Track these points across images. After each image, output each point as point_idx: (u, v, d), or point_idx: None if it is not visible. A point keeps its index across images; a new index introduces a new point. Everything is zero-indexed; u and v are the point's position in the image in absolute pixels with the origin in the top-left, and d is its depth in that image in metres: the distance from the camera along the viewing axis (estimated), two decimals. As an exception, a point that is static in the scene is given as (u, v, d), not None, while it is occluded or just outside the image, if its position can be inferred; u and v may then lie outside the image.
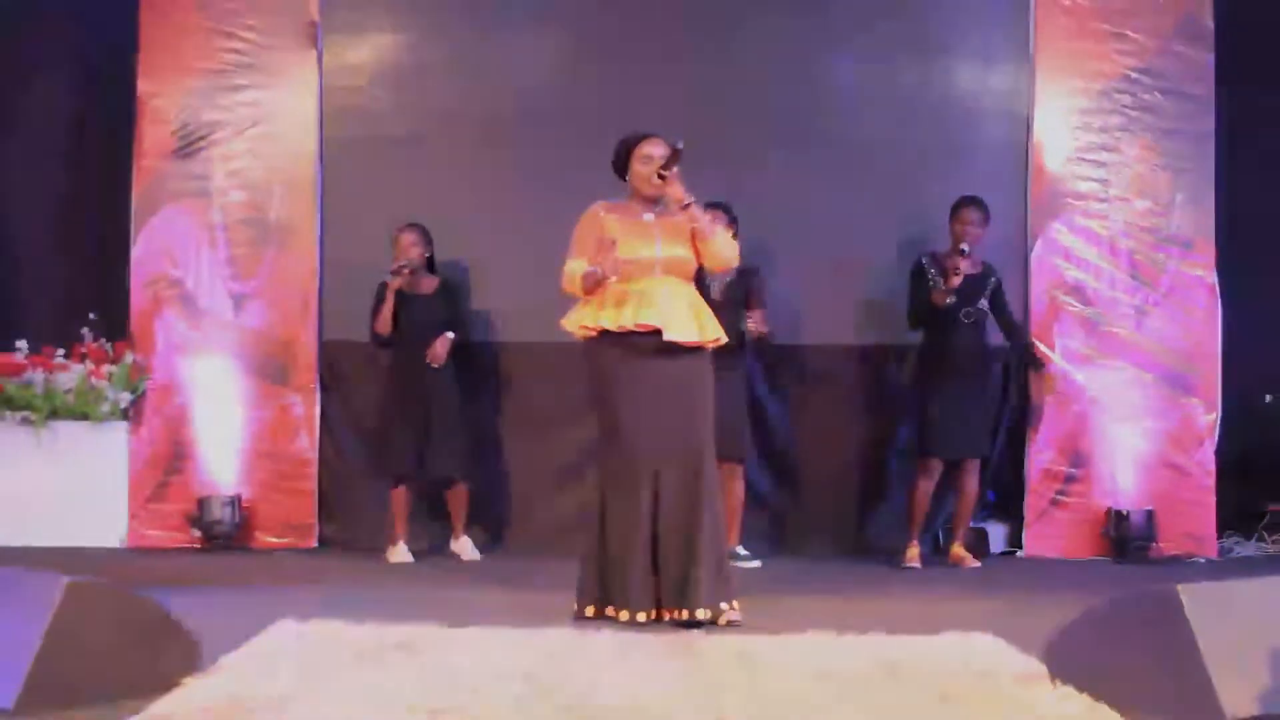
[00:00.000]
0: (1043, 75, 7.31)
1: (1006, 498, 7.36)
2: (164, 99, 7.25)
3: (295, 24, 7.28)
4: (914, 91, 7.40)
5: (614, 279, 4.72)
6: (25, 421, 6.97)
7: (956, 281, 6.49)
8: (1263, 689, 3.06)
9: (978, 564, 6.77)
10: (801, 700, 3.36)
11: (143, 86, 7.24)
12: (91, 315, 7.16)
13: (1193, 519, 7.12)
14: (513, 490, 7.26)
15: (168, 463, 7.15)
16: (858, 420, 7.30)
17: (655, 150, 4.83)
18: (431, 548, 6.97)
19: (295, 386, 7.22)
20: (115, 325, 7.18)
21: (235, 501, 7.04)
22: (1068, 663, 3.49)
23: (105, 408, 7.02)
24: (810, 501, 7.29)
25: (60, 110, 7.57)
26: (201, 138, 7.24)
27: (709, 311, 4.91)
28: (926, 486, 6.71)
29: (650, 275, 4.77)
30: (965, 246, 6.54)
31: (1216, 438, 7.19)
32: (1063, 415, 7.22)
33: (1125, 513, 7.01)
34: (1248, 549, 7.24)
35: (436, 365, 6.69)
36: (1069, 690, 3.39)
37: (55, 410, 6.99)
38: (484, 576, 6.15)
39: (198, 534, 7.01)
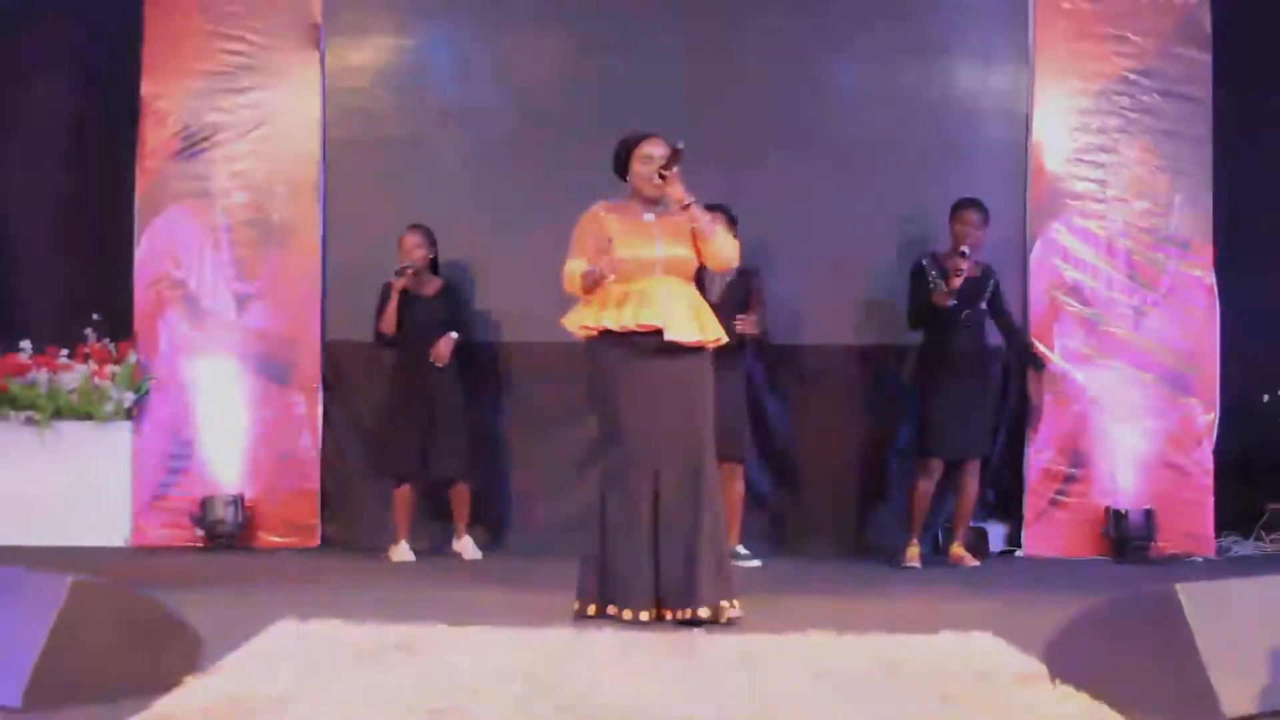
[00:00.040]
0: (1042, 76, 7.33)
1: (1006, 497, 7.37)
2: (167, 100, 7.27)
3: (298, 26, 7.30)
4: (914, 92, 7.42)
5: (611, 278, 4.73)
6: (29, 421, 6.99)
7: (957, 283, 6.51)
8: (1261, 687, 3.08)
9: (977, 563, 6.79)
10: (802, 699, 3.36)
11: (146, 88, 7.26)
12: (95, 315, 7.18)
13: (1191, 518, 7.14)
14: (514, 490, 7.28)
15: (171, 462, 7.17)
16: (858, 420, 7.32)
17: (655, 150, 4.84)
18: (433, 547, 6.99)
19: (298, 387, 7.24)
20: (118, 325, 7.20)
21: (238, 501, 7.05)
22: (1067, 662, 3.49)
23: (109, 407, 7.04)
24: (810, 501, 7.31)
25: (63, 111, 7.58)
26: (204, 139, 7.27)
27: (709, 311, 4.92)
28: (927, 486, 6.72)
29: (651, 275, 4.78)
30: (966, 248, 6.55)
31: (1215, 437, 7.21)
32: (1062, 415, 7.24)
33: (1124, 512, 7.03)
34: (1246, 548, 7.27)
35: (440, 365, 6.71)
36: (1068, 689, 3.39)
37: (59, 410, 7.01)
38: (485, 576, 6.16)
39: (201, 533, 7.03)
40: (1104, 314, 7.26)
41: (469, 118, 7.37)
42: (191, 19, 7.27)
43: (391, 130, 7.38)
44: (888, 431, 7.29)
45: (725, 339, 4.97)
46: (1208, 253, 7.28)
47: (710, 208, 5.09)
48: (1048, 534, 7.20)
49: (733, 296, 6.50)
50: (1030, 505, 7.23)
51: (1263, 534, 7.31)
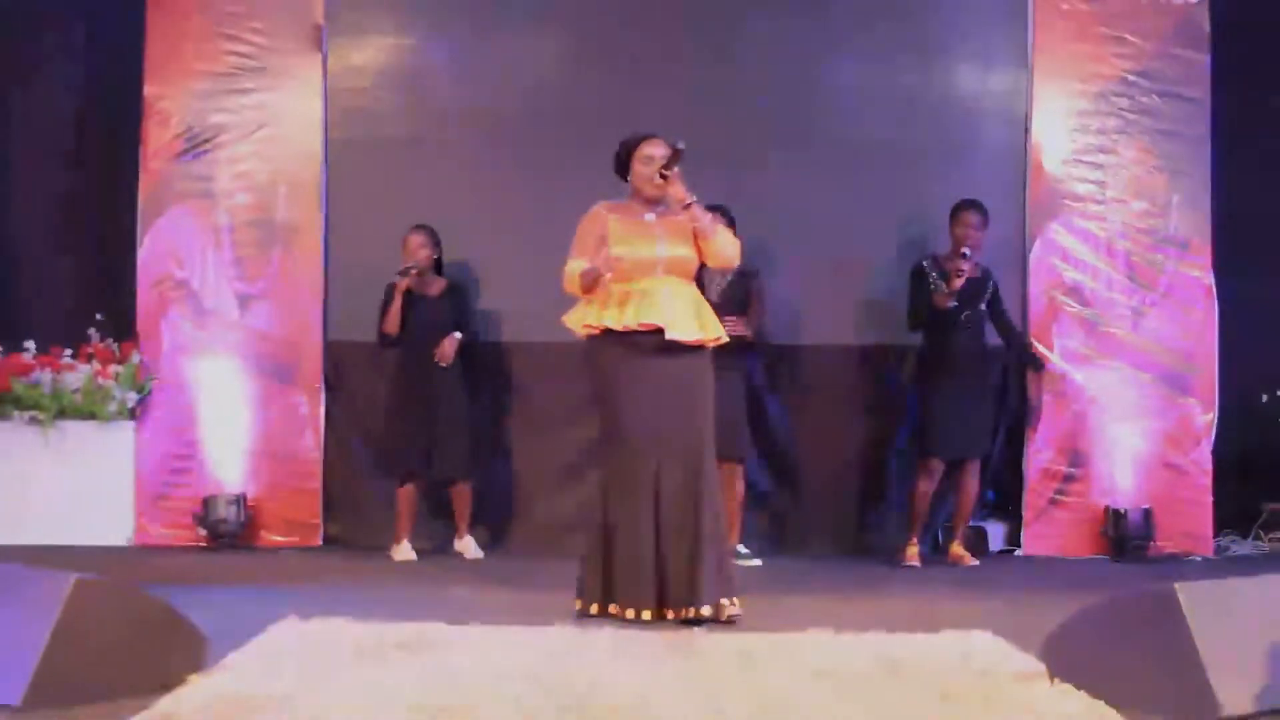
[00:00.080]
0: (1041, 77, 7.35)
1: (1005, 497, 7.40)
2: (170, 101, 7.28)
3: (300, 27, 7.31)
4: (913, 92, 7.43)
5: (608, 276, 4.75)
6: (33, 421, 6.99)
7: (959, 284, 6.53)
8: (1259, 686, 3.10)
9: (977, 563, 6.81)
10: (802, 699, 3.37)
11: (149, 89, 7.27)
12: (98, 316, 7.20)
13: (1190, 518, 7.16)
14: (516, 489, 7.30)
15: (174, 462, 7.18)
16: (858, 420, 7.33)
17: (656, 151, 4.86)
18: (435, 547, 7.00)
19: (300, 386, 7.25)
20: (122, 326, 7.22)
21: (241, 500, 7.07)
22: (1066, 660, 3.50)
23: (112, 407, 7.06)
24: (810, 501, 7.32)
25: (66, 112, 7.59)
26: (207, 140, 7.28)
27: (710, 310, 4.94)
28: (927, 486, 6.74)
29: (652, 275, 4.79)
30: (967, 250, 6.57)
31: (1213, 437, 7.23)
32: (1061, 415, 7.26)
33: (1123, 511, 7.05)
34: (1244, 548, 7.29)
35: (444, 365, 6.73)
36: (1067, 688, 3.40)
37: (63, 410, 7.02)
38: (487, 575, 6.17)
39: (203, 533, 7.04)
40: (1103, 314, 7.28)
41: (470, 118, 7.38)
42: (194, 20, 7.29)
43: (393, 130, 7.39)
44: (887, 431, 7.30)
45: (726, 338, 4.99)
46: (1206, 253, 7.31)
47: (709, 208, 5.11)
48: (1047, 533, 7.22)
49: (732, 297, 6.51)
50: (1029, 505, 7.25)
51: (1261, 533, 7.33)
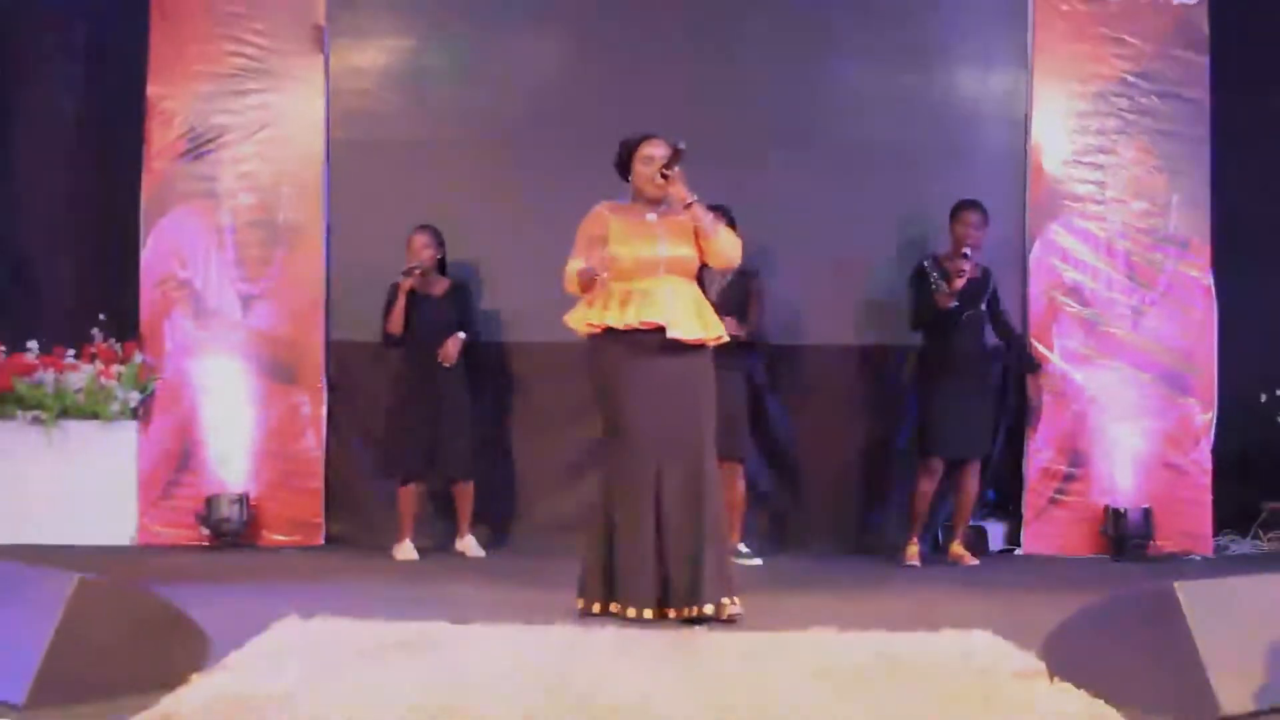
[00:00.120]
0: (1041, 78, 7.36)
1: (1005, 496, 7.41)
2: (173, 102, 7.30)
3: (302, 28, 7.32)
4: (914, 93, 7.44)
5: (604, 275, 4.75)
6: (36, 421, 7.01)
7: (960, 284, 6.54)
8: (1259, 685, 3.11)
9: (977, 562, 6.82)
10: (803, 697, 3.39)
11: (152, 89, 7.28)
12: (101, 316, 7.22)
13: (1189, 517, 7.17)
14: (517, 489, 7.31)
15: (176, 461, 7.20)
16: (858, 420, 7.34)
17: (656, 151, 4.87)
18: (436, 546, 7.01)
19: (303, 386, 7.27)
20: (125, 326, 7.23)
21: (243, 500, 7.08)
22: (1066, 659, 3.52)
23: (115, 407, 7.07)
24: (811, 500, 7.33)
25: (70, 112, 7.59)
26: (210, 140, 7.29)
27: (711, 310, 4.96)
28: (928, 486, 6.75)
29: (654, 275, 4.81)
30: (968, 250, 6.59)
31: (1213, 437, 7.24)
32: (1061, 415, 7.27)
33: (1123, 511, 7.06)
34: (1244, 547, 7.30)
35: (448, 365, 6.75)
36: (1067, 687, 3.42)
37: (65, 409, 7.03)
38: (488, 574, 6.17)
39: (206, 532, 7.05)
40: (1103, 314, 7.29)
41: (471, 118, 7.39)
42: (197, 22, 7.30)
43: (395, 131, 7.39)
44: (888, 431, 7.31)
45: (727, 338, 5.01)
46: (1206, 253, 7.32)
47: (710, 208, 5.12)
48: (1047, 532, 7.23)
49: (731, 297, 6.51)
50: (1029, 504, 7.26)
51: (1260, 532, 7.34)
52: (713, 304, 5.17)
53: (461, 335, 6.78)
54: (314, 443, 7.26)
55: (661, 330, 4.74)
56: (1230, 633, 3.16)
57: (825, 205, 7.25)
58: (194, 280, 7.28)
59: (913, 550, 6.76)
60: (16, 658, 3.18)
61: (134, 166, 7.29)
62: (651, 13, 7.44)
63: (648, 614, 4.64)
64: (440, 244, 6.86)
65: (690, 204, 4.82)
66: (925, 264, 6.74)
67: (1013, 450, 7.32)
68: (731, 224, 6.15)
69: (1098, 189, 7.34)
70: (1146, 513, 7.07)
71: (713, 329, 4.88)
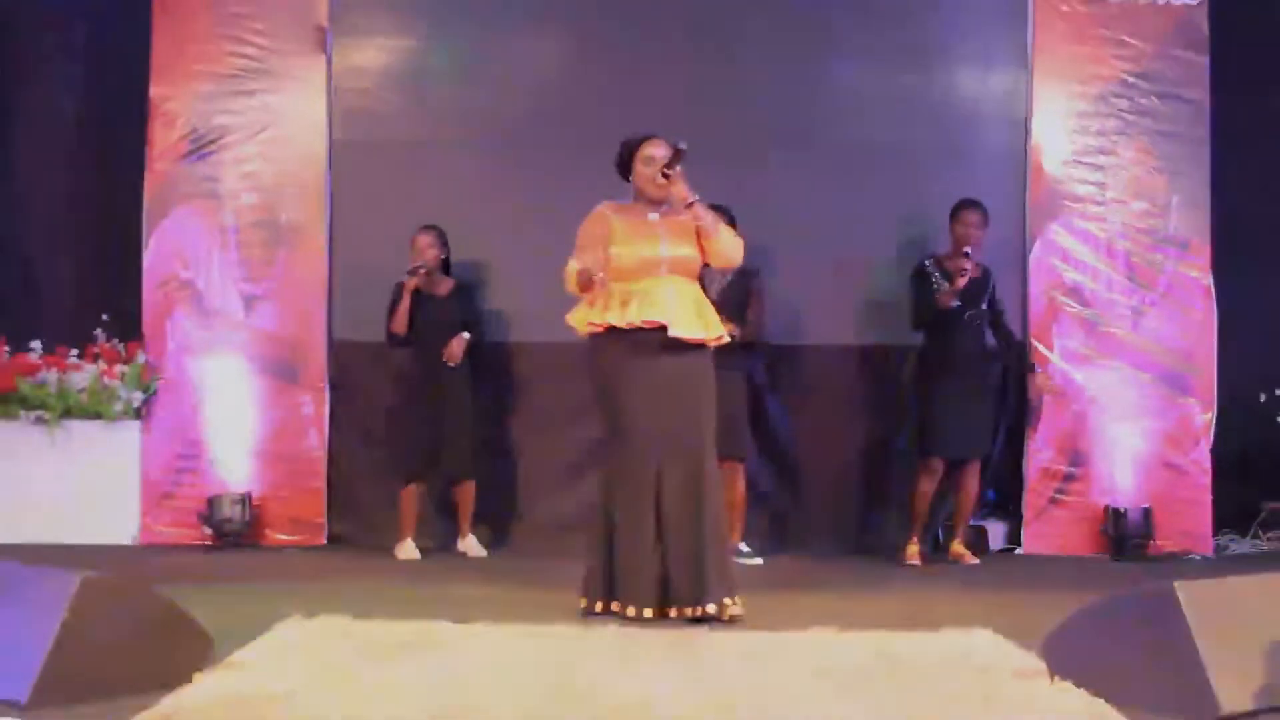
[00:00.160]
0: (1041, 79, 7.37)
1: (1006, 496, 7.42)
2: (176, 102, 7.30)
3: (304, 29, 7.32)
4: (914, 93, 7.44)
5: (600, 276, 4.74)
6: (39, 421, 7.02)
7: (963, 283, 6.56)
8: (1258, 684, 3.12)
9: (977, 561, 6.83)
10: (803, 696, 3.40)
11: (155, 90, 7.28)
12: (104, 316, 7.22)
13: (1189, 517, 7.18)
14: (519, 488, 7.32)
15: (179, 461, 7.20)
16: (858, 420, 7.35)
17: (657, 151, 4.88)
18: (438, 545, 7.01)
19: (305, 386, 7.27)
20: (128, 326, 7.23)
21: (246, 499, 7.08)
22: (1066, 658, 3.53)
23: (118, 407, 7.07)
24: (811, 500, 7.34)
25: (73, 113, 7.60)
26: (212, 141, 7.30)
27: (712, 310, 4.96)
28: (928, 486, 6.76)
29: (656, 274, 4.81)
30: (969, 249, 6.60)
31: (1212, 436, 7.25)
32: (1061, 415, 7.28)
33: (1123, 510, 7.07)
34: (1243, 546, 7.31)
35: (453, 365, 6.76)
36: (1067, 686, 3.43)
37: (69, 409, 7.04)
38: (490, 573, 6.18)
39: (209, 531, 7.05)
40: (1103, 314, 7.30)
41: (473, 118, 7.40)
42: (199, 22, 7.30)
43: (397, 131, 7.40)
44: (888, 431, 7.32)
45: (728, 338, 5.02)
46: (1205, 253, 7.33)
47: (710, 208, 5.13)
48: (1047, 532, 7.24)
49: (731, 297, 6.51)
50: (1030, 504, 7.27)
51: (1260, 532, 7.35)
52: (713, 303, 5.18)
53: (466, 335, 6.79)
54: (316, 442, 7.27)
55: (663, 329, 4.74)
56: (1230, 632, 3.17)
57: (825, 205, 7.26)
58: (196, 280, 7.29)
59: (913, 550, 6.77)
60: (19, 657, 3.19)
61: (134, 166, 7.29)
62: (651, 13, 7.45)
63: (647, 614, 4.65)
64: (445, 244, 6.87)
65: (692, 204, 4.82)
66: (926, 264, 6.74)
67: (1013, 450, 7.32)
68: (732, 224, 6.15)
69: (1098, 189, 7.35)
70: (1146, 512, 7.08)
71: (714, 329, 4.88)
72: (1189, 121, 7.32)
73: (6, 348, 7.11)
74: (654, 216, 4.92)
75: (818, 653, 3.98)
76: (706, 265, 5.00)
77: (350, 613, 4.51)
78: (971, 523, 7.08)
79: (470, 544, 6.91)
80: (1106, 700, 3.28)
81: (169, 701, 3.24)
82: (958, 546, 6.88)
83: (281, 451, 7.24)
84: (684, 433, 4.75)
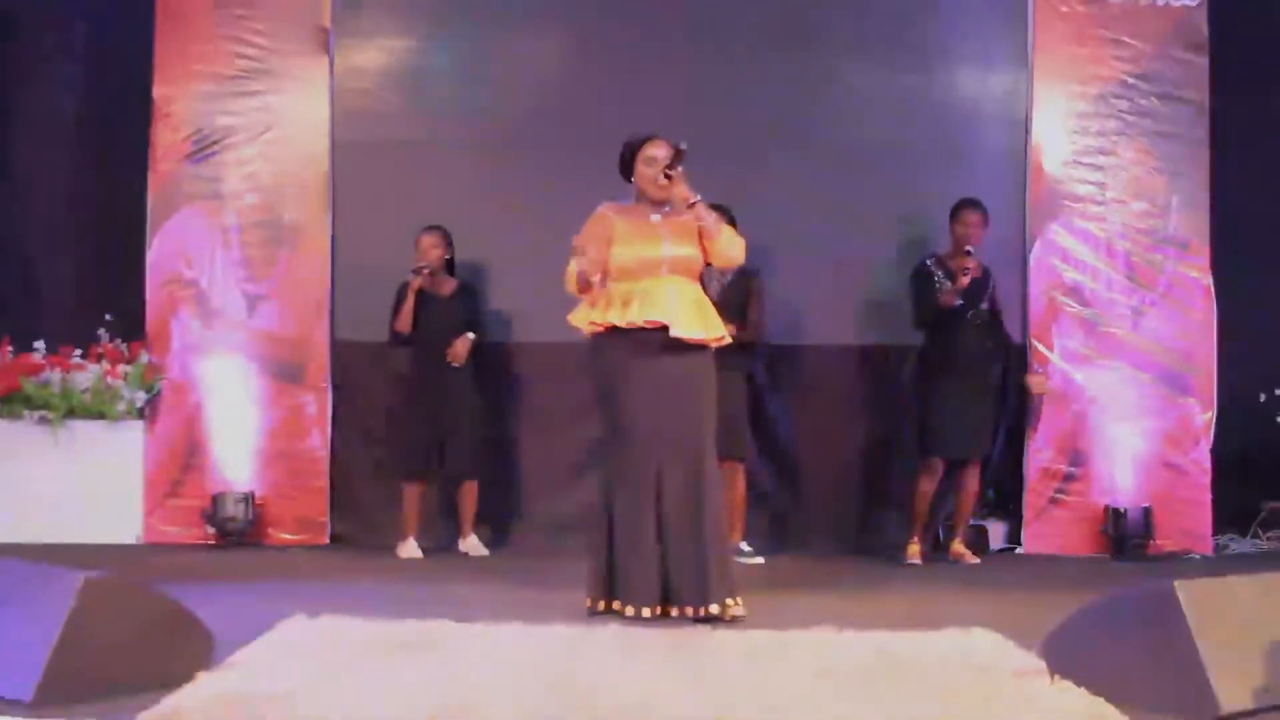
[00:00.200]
0: (1041, 80, 7.38)
1: (1006, 495, 7.43)
2: (179, 103, 7.31)
3: (306, 30, 7.34)
4: (914, 94, 7.46)
5: (597, 277, 4.75)
6: (43, 420, 7.03)
7: (965, 282, 6.56)
8: (1258, 683, 3.13)
9: (977, 561, 6.84)
10: (804, 695, 3.40)
11: (158, 91, 7.29)
12: (107, 316, 7.24)
13: (1189, 516, 7.19)
14: (521, 488, 7.33)
15: (182, 460, 7.21)
16: (858, 420, 7.36)
17: (658, 152, 4.88)
18: (440, 545, 7.02)
19: (308, 386, 7.28)
20: (131, 326, 7.25)
21: (248, 499, 7.09)
22: (1066, 658, 3.54)
23: (121, 407, 7.09)
24: (812, 499, 7.35)
25: (76, 114, 7.62)
26: (215, 142, 7.31)
27: (714, 310, 4.97)
28: (929, 486, 6.77)
29: (657, 275, 4.82)
30: (971, 248, 6.61)
31: (1212, 436, 7.26)
32: (1061, 415, 7.29)
33: (1123, 510, 7.08)
34: (1243, 546, 7.33)
35: (457, 365, 6.77)
36: (1067, 685, 3.43)
37: (72, 409, 7.05)
38: (492, 573, 6.19)
39: (212, 530, 7.07)
40: (1103, 314, 7.32)
41: (474, 118, 7.41)
42: (202, 23, 7.31)
43: (399, 131, 7.41)
44: (888, 431, 7.33)
45: (729, 338, 5.03)
46: (1205, 253, 7.34)
47: (711, 208, 5.14)
48: (1047, 532, 7.25)
49: (732, 297, 6.50)
50: (1030, 503, 7.28)
51: (1260, 531, 7.36)
52: (713, 303, 5.19)
53: (471, 335, 6.80)
54: (319, 442, 7.28)
55: (664, 329, 4.75)
56: (1230, 631, 3.17)
57: (825, 205, 7.27)
58: (199, 280, 7.30)
59: (914, 549, 6.78)
60: (23, 656, 3.20)
61: (135, 166, 7.30)
62: (651, 13, 7.46)
63: (648, 613, 4.65)
64: (449, 244, 6.89)
65: (693, 204, 4.83)
66: (928, 263, 6.75)
67: (1013, 450, 7.33)
68: (732, 223, 6.16)
69: (1098, 190, 7.36)
70: (1146, 512, 7.09)
71: (715, 329, 4.89)
72: (1189, 122, 7.34)
73: (10, 348, 7.12)
74: (655, 217, 4.92)
75: (818, 652, 3.98)
76: (707, 265, 5.01)
77: (353, 612, 4.51)
78: (972, 522, 7.09)
79: (472, 544, 6.92)
80: (1106, 700, 3.28)
81: (171, 700, 3.25)
82: (958, 546, 6.89)
83: (284, 451, 7.26)
84: (685, 433, 4.76)
